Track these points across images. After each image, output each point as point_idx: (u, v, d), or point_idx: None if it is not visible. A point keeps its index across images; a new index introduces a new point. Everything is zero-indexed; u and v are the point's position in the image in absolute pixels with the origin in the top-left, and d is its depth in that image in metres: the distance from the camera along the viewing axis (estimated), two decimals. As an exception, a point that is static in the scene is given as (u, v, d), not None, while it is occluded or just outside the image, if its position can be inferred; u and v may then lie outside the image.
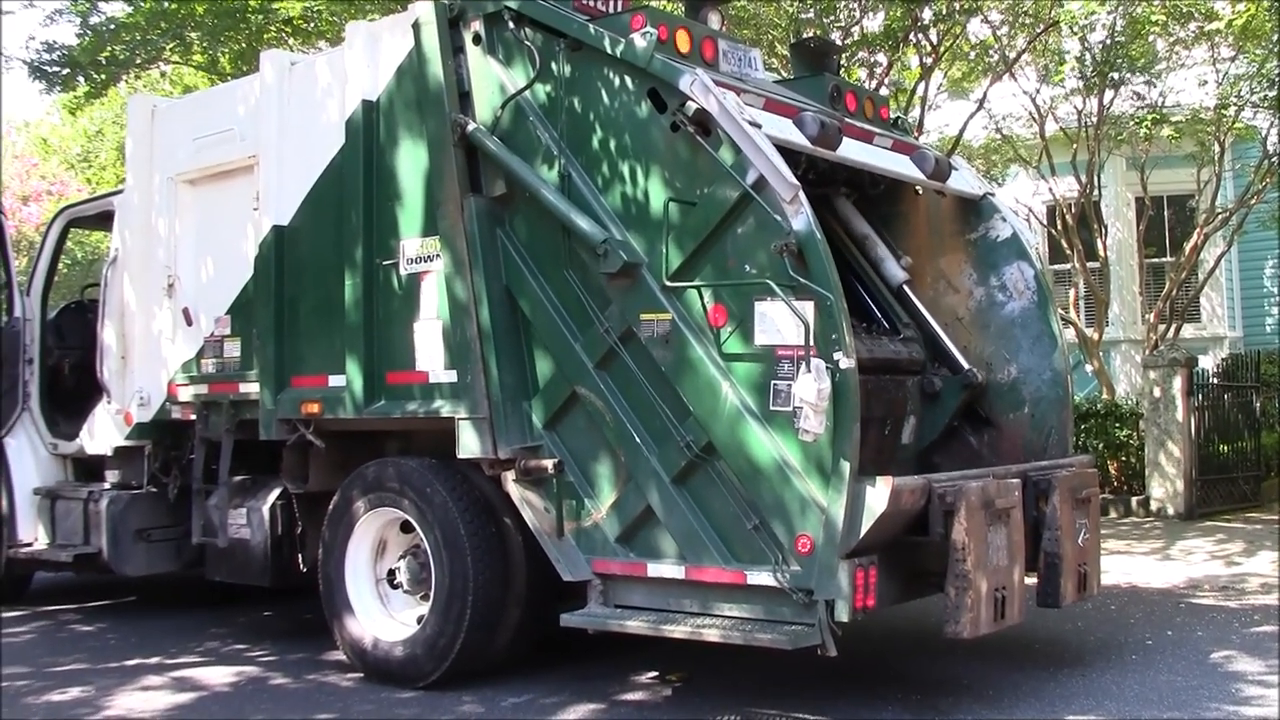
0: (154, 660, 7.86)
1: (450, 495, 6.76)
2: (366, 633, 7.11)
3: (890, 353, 7.25)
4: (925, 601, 6.52)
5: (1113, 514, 14.25)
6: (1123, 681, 6.72)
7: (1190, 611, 8.75)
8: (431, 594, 6.83)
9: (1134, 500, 14.58)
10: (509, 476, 6.63)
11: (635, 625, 6.15)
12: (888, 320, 7.65)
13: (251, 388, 7.89)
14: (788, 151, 6.13)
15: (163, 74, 19.45)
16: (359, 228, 7.27)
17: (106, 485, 9.09)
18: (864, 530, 5.54)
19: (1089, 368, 17.49)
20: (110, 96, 19.44)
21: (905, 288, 7.67)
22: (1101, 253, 18.04)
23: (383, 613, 7.22)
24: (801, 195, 5.73)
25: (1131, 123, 16.92)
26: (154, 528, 8.84)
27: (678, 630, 6.02)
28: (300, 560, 7.91)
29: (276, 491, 7.96)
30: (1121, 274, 20.13)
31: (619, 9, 7.12)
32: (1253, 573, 10.35)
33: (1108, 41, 15.48)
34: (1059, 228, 18.27)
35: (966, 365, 7.52)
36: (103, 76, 15.80)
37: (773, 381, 5.79)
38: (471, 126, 6.81)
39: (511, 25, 6.76)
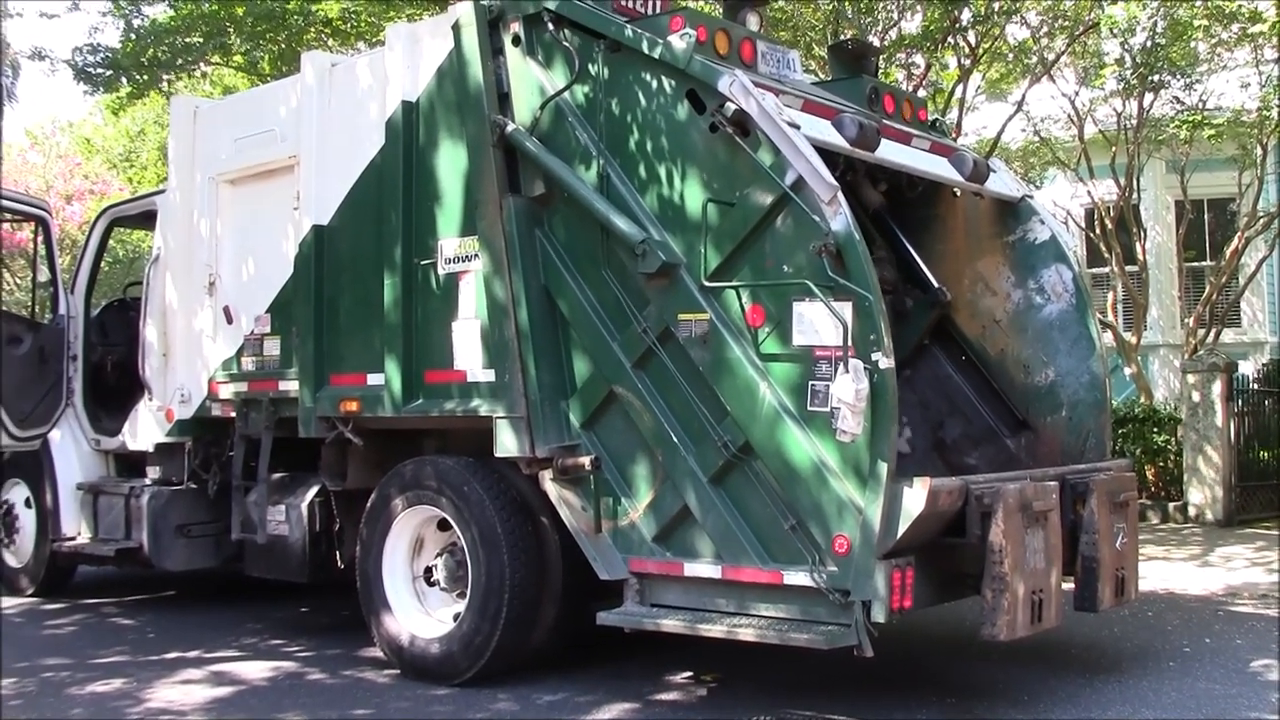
0: (193, 654, 7.92)
1: (487, 494, 6.79)
2: (403, 630, 7.15)
3: None
4: (961, 604, 6.51)
5: (1151, 519, 14.14)
6: (1160, 688, 6.69)
7: (1229, 619, 8.68)
8: (468, 592, 6.86)
9: (1172, 506, 14.48)
10: (546, 475, 6.66)
11: (671, 624, 6.16)
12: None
13: (291, 385, 7.96)
14: (825, 153, 6.12)
15: (204, 75, 19.61)
16: (398, 227, 7.31)
17: (148, 481, 9.18)
18: (901, 531, 5.53)
19: (1127, 372, 17.38)
20: (152, 97, 19.63)
21: (880, 210, 7.78)
22: (1140, 256, 17.93)
23: (419, 610, 7.26)
24: (840, 196, 5.72)
25: (1172, 125, 16.80)
26: (194, 523, 8.91)
27: (713, 630, 6.02)
28: (338, 557, 7.95)
29: (315, 489, 8.00)
30: (1160, 278, 19.98)
31: (658, 11, 7.13)
32: (1293, 580, 10.27)
33: (1148, 44, 15.37)
34: (1097, 231, 18.17)
35: (936, 284, 7.72)
36: (144, 78, 16.00)
37: (810, 382, 5.79)
38: (511, 127, 6.83)
39: (551, 27, 6.78)
